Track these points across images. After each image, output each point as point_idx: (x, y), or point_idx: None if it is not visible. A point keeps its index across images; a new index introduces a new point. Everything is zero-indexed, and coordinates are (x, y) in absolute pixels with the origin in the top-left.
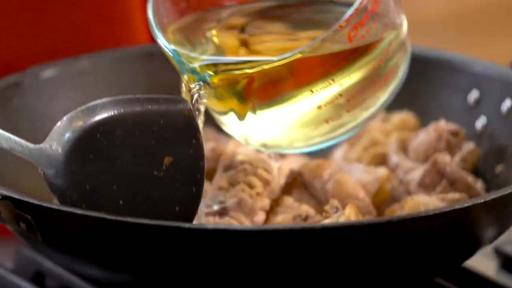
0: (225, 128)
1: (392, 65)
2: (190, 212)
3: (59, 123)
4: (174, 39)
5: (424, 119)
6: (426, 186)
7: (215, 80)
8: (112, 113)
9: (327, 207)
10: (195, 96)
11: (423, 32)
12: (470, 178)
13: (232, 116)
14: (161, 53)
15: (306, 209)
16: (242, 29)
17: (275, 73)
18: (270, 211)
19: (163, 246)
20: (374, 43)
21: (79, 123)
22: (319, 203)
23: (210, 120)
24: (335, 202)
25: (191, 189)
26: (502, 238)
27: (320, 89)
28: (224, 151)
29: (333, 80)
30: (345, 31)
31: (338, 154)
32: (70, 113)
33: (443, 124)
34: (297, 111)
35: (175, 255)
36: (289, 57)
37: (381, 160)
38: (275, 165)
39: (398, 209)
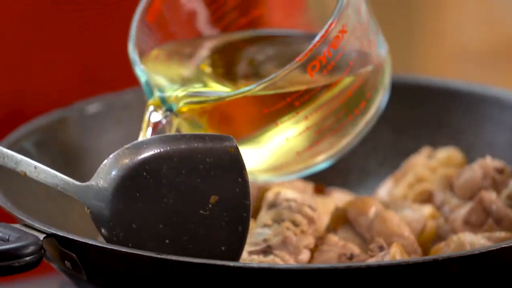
0: None
1: (364, 97)
2: (236, 251)
3: (105, 161)
4: (153, 62)
5: (470, 156)
6: (472, 224)
7: (183, 109)
8: (158, 151)
9: (372, 246)
10: (161, 123)
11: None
12: None
13: None
14: None
15: (351, 247)
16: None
17: (234, 108)
18: (315, 249)
19: (208, 285)
20: (339, 78)
21: (126, 161)
22: (364, 241)
23: None
24: (380, 241)
25: (237, 228)
26: None
27: (285, 121)
28: (269, 188)
29: (297, 113)
30: (305, 66)
31: (383, 190)
32: (117, 151)
33: (488, 161)
34: (265, 143)
35: None
36: (242, 92)
37: (427, 197)
38: (319, 203)
39: (444, 248)
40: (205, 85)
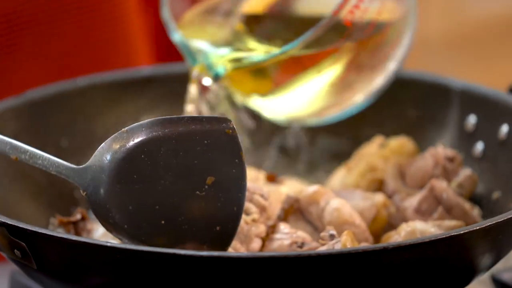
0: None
1: (396, 35)
2: (231, 231)
3: (103, 144)
4: (189, 27)
5: (422, 145)
6: (422, 212)
7: (230, 73)
8: (156, 134)
9: (323, 234)
10: (210, 88)
11: (422, 53)
12: (467, 205)
13: (255, 97)
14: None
15: (302, 235)
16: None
17: (280, 64)
18: (266, 238)
19: (158, 274)
20: (373, 21)
21: (124, 144)
22: (316, 230)
23: None
24: (331, 229)
25: (232, 208)
26: (499, 266)
27: (327, 67)
28: None
29: (337, 59)
30: (341, 17)
31: (335, 179)
32: (114, 134)
33: (440, 150)
34: (308, 90)
35: (171, 282)
36: (289, 49)
37: (378, 186)
38: (269, 191)
39: (395, 236)
40: (246, 45)
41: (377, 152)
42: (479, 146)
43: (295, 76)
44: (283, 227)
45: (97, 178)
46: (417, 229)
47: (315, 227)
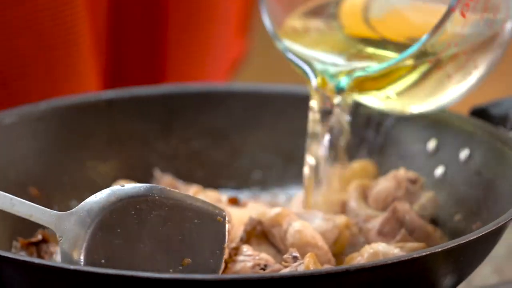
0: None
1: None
2: None
3: (98, 193)
4: (292, 34)
5: (384, 168)
6: (385, 234)
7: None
8: (152, 196)
9: (286, 256)
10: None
11: None
12: (429, 227)
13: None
14: (121, 101)
15: (265, 257)
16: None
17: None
18: (229, 260)
19: None
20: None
21: (119, 195)
22: (279, 252)
23: (170, 169)
24: (294, 251)
25: None
26: (462, 286)
27: (447, 63)
28: None
29: (456, 55)
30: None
31: (296, 202)
32: (112, 187)
33: (402, 172)
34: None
35: None
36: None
37: (341, 208)
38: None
39: (357, 258)
40: (362, 52)
41: (339, 174)
42: (440, 169)
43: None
44: (246, 249)
45: (81, 222)
46: (379, 251)
47: (278, 249)
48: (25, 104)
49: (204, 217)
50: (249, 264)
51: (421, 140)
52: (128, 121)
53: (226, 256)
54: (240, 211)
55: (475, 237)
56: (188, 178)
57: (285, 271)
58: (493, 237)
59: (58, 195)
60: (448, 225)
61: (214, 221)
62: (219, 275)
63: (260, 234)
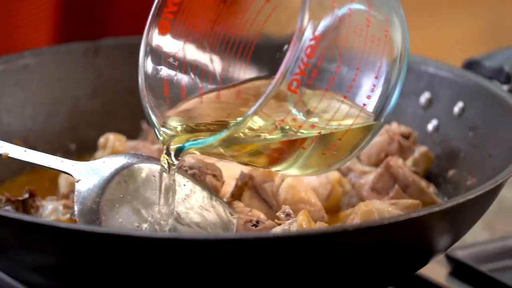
0: None
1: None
2: None
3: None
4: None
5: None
6: (378, 190)
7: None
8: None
9: (278, 213)
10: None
11: None
12: (423, 183)
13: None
14: (107, 48)
15: (257, 214)
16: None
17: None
18: None
19: (110, 254)
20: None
21: (135, 159)
22: (270, 208)
23: None
24: (287, 208)
25: None
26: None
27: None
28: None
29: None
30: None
31: None
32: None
33: (394, 126)
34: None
35: (119, 263)
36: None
37: None
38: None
39: (351, 215)
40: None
41: None
42: (433, 123)
43: (286, 153)
44: (238, 205)
45: (98, 172)
46: (374, 208)
47: (270, 205)
48: (8, 54)
49: (218, 209)
50: (241, 220)
51: (414, 93)
52: (115, 69)
53: None
54: (231, 166)
55: (473, 196)
56: None
57: (278, 228)
58: (491, 195)
59: (43, 147)
60: (442, 182)
61: (224, 212)
62: (212, 235)
63: (252, 189)
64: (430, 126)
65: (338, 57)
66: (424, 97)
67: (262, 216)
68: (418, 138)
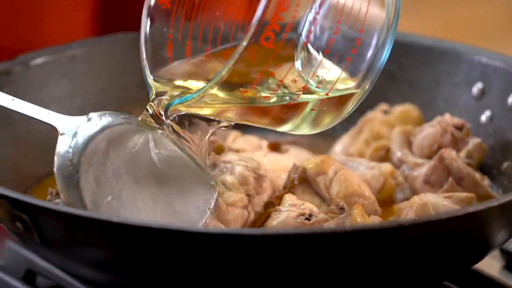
0: None
1: None
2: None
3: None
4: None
5: (427, 112)
6: (432, 183)
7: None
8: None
9: (332, 207)
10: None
11: None
12: (477, 175)
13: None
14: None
15: (309, 207)
16: None
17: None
18: (272, 209)
19: (158, 249)
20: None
21: (128, 118)
22: (323, 201)
23: None
24: (340, 202)
25: None
26: None
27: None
28: (221, 146)
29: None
30: (257, 40)
31: (338, 148)
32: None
33: (447, 118)
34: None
35: (166, 258)
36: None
37: (384, 154)
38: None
39: (406, 209)
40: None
41: (381, 120)
42: (487, 114)
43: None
44: (290, 198)
45: (87, 128)
46: (429, 202)
47: (323, 198)
48: (55, 45)
49: (198, 175)
50: (293, 214)
51: (466, 84)
52: None
53: (238, 200)
54: (282, 157)
55: None
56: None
57: (332, 222)
58: None
59: None
60: (495, 174)
61: (206, 184)
62: (266, 230)
63: (304, 182)
64: (483, 117)
65: (316, 10)
66: (477, 87)
67: (315, 209)
68: (471, 130)
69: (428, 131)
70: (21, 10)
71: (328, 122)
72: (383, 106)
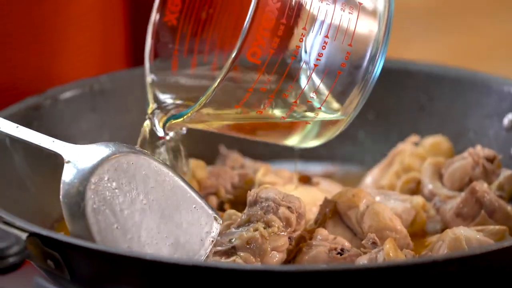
0: None
1: None
2: None
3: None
4: None
5: (457, 144)
6: (463, 216)
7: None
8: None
9: (364, 242)
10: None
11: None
12: (509, 208)
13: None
14: None
15: (341, 241)
16: None
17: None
18: (304, 244)
19: (183, 285)
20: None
21: (134, 149)
22: (355, 235)
23: (235, 145)
24: (373, 237)
25: None
26: None
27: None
28: (251, 179)
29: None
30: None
31: (369, 180)
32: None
33: (479, 150)
34: None
35: None
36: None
37: (414, 186)
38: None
39: (438, 242)
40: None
41: (412, 152)
42: None
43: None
44: (321, 232)
45: (92, 155)
46: (462, 236)
47: (355, 232)
48: (83, 78)
49: (202, 208)
50: (325, 248)
51: (496, 114)
52: None
53: (282, 245)
54: (313, 191)
55: None
56: (250, 153)
57: (364, 257)
58: None
59: None
60: None
61: (209, 216)
62: (301, 266)
63: (336, 216)
64: None
65: (302, 26)
66: (508, 118)
67: (346, 244)
68: (502, 161)
69: (459, 163)
70: (49, 43)
71: (331, 133)
72: (414, 138)
